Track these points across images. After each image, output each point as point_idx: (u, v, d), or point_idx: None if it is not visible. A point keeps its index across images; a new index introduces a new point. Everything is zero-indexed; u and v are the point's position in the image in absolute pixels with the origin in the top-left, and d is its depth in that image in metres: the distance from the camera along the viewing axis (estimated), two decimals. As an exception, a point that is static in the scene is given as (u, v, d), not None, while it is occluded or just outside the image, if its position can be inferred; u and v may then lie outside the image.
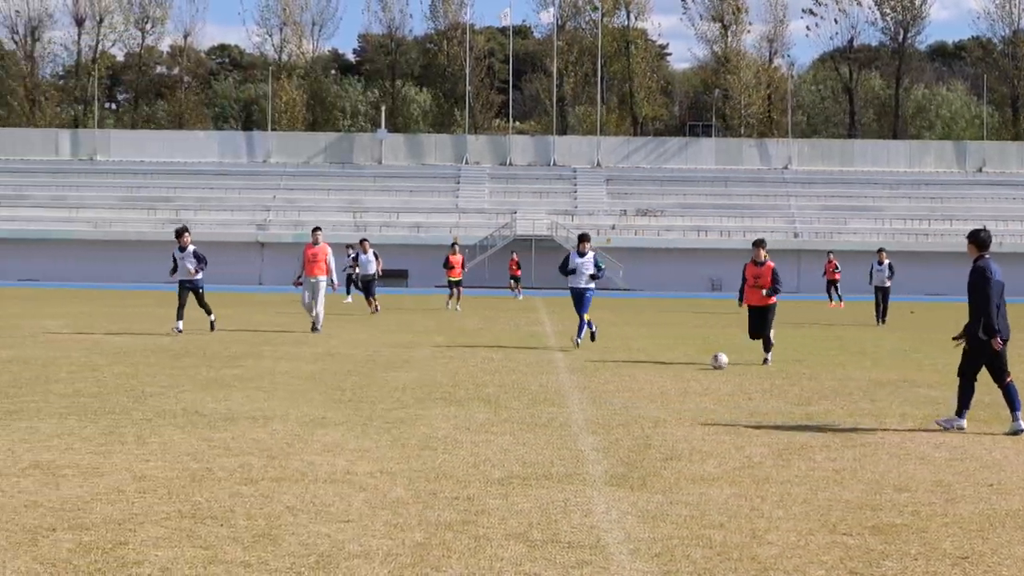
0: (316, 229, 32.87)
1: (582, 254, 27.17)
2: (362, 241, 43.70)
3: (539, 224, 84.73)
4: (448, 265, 47.46)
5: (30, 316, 36.51)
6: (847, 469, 11.88)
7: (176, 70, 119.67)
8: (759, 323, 24.22)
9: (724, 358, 22.64)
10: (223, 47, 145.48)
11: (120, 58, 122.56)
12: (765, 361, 23.78)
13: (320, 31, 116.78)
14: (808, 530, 9.28)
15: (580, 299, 27.06)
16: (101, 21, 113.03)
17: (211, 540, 8.66)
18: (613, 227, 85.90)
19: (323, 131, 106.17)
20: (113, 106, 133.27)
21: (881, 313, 39.83)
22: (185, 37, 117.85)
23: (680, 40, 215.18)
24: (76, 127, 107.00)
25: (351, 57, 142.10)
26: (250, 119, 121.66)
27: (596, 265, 27.14)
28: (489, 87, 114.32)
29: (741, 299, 24.77)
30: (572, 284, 27.21)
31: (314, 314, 31.06)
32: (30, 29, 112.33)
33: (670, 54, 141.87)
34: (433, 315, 41.31)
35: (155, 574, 7.79)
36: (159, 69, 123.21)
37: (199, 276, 29.69)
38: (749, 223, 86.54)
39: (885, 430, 14.65)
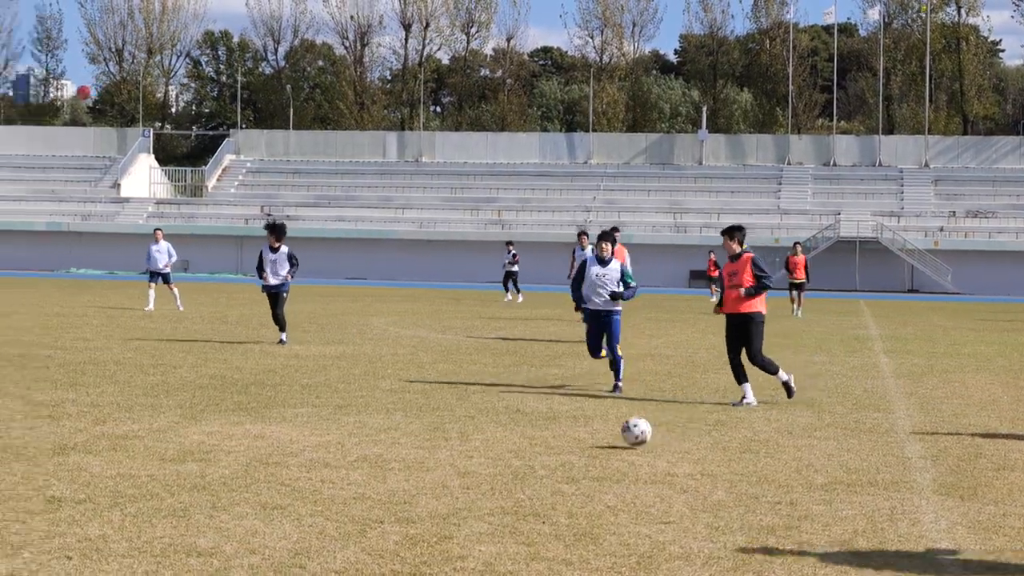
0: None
1: (603, 261, 18.03)
2: (581, 235, 33.41)
3: (864, 226, 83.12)
4: (789, 267, 45.34)
5: (358, 313, 37.54)
6: None
7: (499, 72, 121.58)
8: (738, 338, 16.65)
9: (643, 428, 12.58)
10: (545, 49, 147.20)
11: (445, 61, 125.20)
12: (787, 391, 16.79)
13: (641, 32, 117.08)
14: None
15: (600, 326, 18.08)
16: (428, 26, 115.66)
17: (533, 537, 8.73)
18: (941, 229, 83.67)
19: (643, 132, 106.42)
20: (438, 109, 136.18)
21: None
22: (508, 40, 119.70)
23: (1013, 36, 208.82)
24: (402, 129, 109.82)
25: (672, 58, 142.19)
26: (573, 120, 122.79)
27: (624, 279, 17.96)
28: (812, 86, 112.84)
29: (720, 303, 17.00)
30: (588, 304, 18.15)
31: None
32: (359, 34, 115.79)
33: (1003, 51, 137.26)
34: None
35: (479, 569, 7.88)
36: (483, 72, 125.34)
37: (286, 282, 25.10)
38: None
39: None
